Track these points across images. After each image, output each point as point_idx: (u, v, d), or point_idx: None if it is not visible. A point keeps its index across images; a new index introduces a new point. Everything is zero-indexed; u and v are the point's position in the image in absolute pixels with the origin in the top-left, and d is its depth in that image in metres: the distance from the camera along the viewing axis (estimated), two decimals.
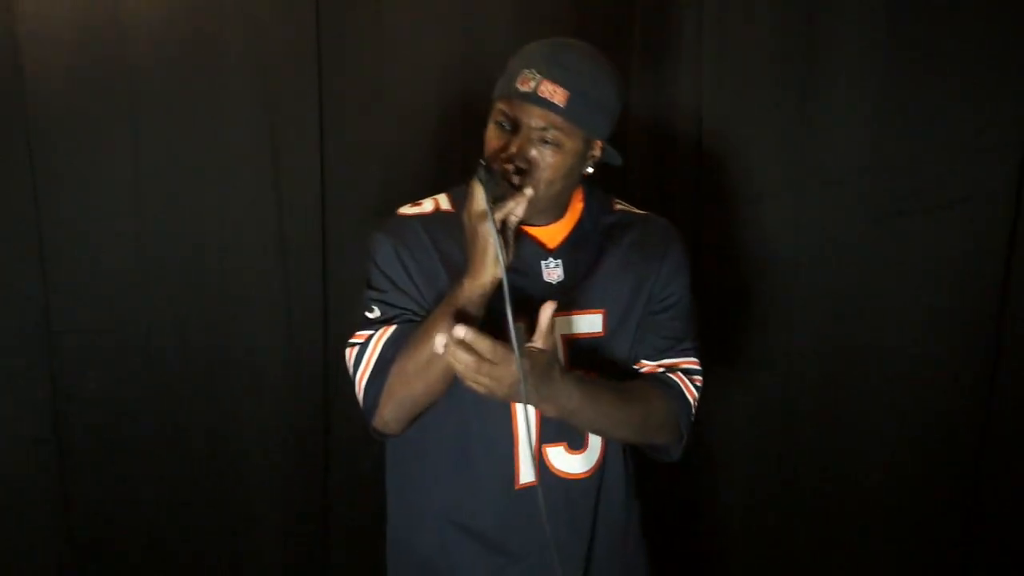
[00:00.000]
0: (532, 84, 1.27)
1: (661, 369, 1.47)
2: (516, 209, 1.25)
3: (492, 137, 1.34)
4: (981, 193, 1.88)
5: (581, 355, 1.41)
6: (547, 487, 1.33)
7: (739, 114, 1.97)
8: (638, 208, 1.53)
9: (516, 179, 1.28)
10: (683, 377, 1.47)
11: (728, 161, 1.99)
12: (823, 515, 2.12)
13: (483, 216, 1.22)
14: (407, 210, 1.44)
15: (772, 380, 2.06)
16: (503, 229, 1.24)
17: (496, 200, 1.23)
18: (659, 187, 2.02)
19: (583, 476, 1.46)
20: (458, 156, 1.90)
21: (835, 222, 1.97)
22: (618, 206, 1.52)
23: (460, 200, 1.37)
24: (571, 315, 1.41)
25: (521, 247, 1.34)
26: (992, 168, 1.87)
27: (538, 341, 1.22)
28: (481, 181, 1.22)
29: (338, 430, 2.02)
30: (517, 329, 1.16)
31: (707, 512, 2.21)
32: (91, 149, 1.80)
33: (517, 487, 1.42)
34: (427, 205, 1.44)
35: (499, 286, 1.21)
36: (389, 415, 1.35)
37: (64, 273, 1.82)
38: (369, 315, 1.39)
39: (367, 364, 1.35)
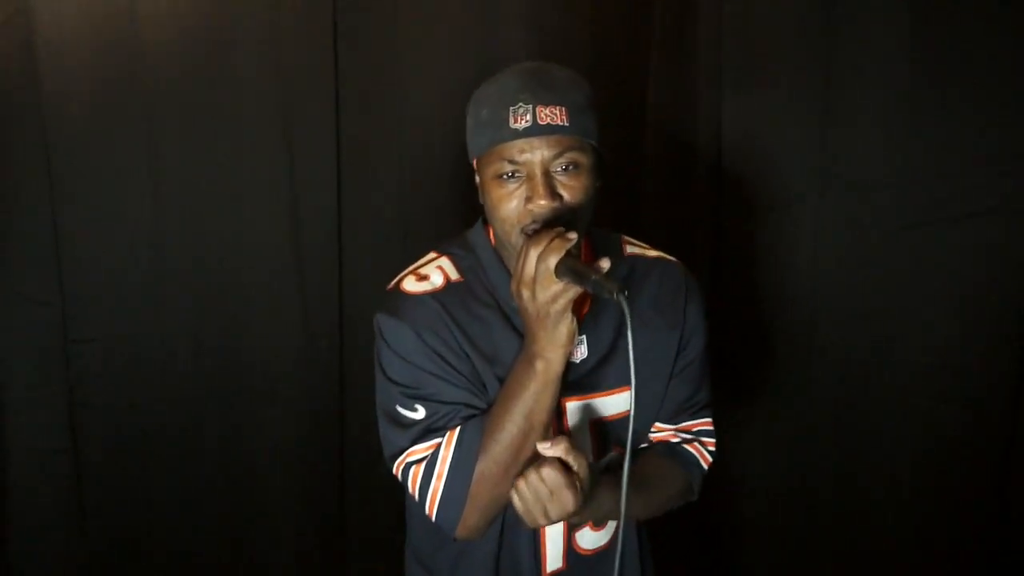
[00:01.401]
0: (528, 117, 1.16)
1: (677, 438, 1.41)
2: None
3: (501, 197, 1.20)
4: (1006, 204, 1.84)
5: (609, 436, 1.32)
6: (574, 568, 1.34)
7: (760, 123, 1.95)
8: (646, 243, 1.43)
9: (571, 235, 1.14)
10: (698, 447, 1.41)
11: (749, 169, 1.98)
12: (844, 527, 2.09)
13: (555, 297, 1.12)
14: (414, 287, 1.28)
15: (794, 389, 2.04)
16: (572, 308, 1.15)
17: (564, 274, 1.11)
18: (678, 196, 2.01)
19: (605, 548, 1.39)
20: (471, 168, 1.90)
21: (858, 231, 1.94)
22: (628, 249, 1.40)
23: (468, 267, 1.30)
24: (599, 397, 1.31)
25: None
26: (1018, 179, 1.84)
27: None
28: (569, 271, 1.10)
29: (353, 438, 2.02)
30: (616, 457, 1.14)
31: (726, 522, 2.19)
32: (108, 159, 1.81)
33: (544, 575, 1.36)
34: (435, 278, 1.29)
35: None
36: (476, 522, 1.23)
37: (80, 283, 1.83)
38: (410, 414, 1.24)
39: (439, 480, 1.21)
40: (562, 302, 1.13)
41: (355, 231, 1.93)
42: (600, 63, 1.94)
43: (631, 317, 1.07)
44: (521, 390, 1.18)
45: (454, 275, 1.30)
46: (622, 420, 1.31)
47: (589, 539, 1.37)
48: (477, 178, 1.29)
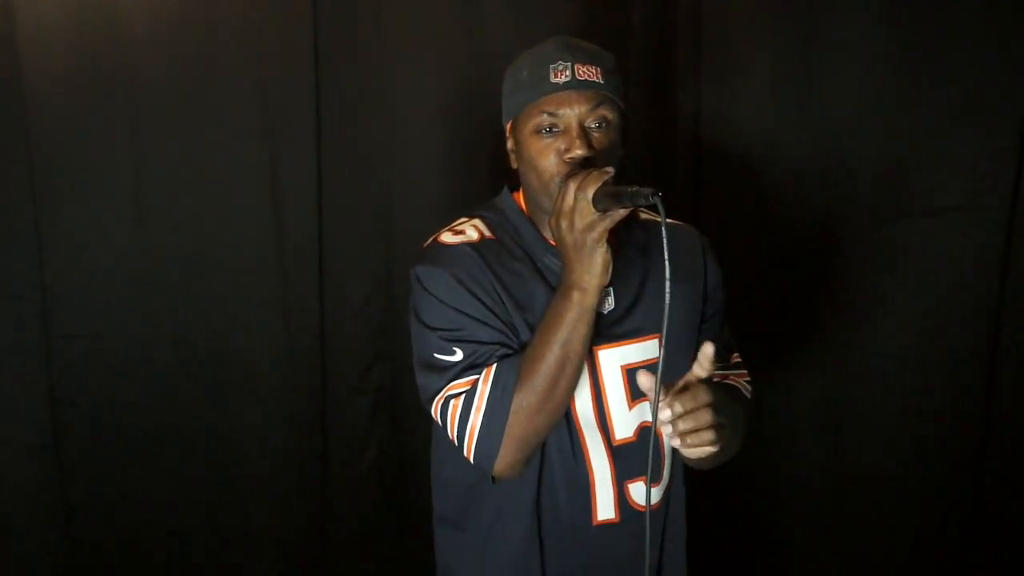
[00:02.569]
0: (568, 72, 1.25)
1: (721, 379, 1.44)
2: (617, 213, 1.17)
3: (540, 150, 1.27)
4: (979, 197, 1.88)
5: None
6: (628, 521, 1.35)
7: (738, 117, 1.98)
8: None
9: (608, 168, 1.19)
10: (735, 379, 1.46)
11: (728, 162, 2.01)
12: (821, 520, 2.12)
13: (591, 227, 1.16)
14: (450, 238, 1.34)
15: (771, 384, 2.07)
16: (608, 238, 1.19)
17: (601, 201, 1.16)
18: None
19: (657, 507, 1.40)
20: (455, 163, 1.91)
21: (834, 224, 1.98)
22: (643, 215, 1.46)
23: (499, 226, 1.35)
24: (627, 344, 1.35)
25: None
26: (990, 172, 1.87)
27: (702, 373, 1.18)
28: (606, 196, 1.15)
29: (335, 433, 2.02)
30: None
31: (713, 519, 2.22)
32: (90, 155, 1.81)
33: (595, 523, 1.36)
34: (470, 232, 1.35)
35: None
36: (513, 458, 1.25)
37: (62, 279, 1.83)
38: (448, 357, 1.27)
39: (477, 413, 1.24)
40: (599, 231, 1.16)
41: (336, 229, 1.94)
42: None
43: (664, 215, 1.11)
44: (558, 320, 1.21)
45: (487, 232, 1.35)
46: (652, 366, 1.29)
47: (641, 493, 1.36)
48: (510, 142, 1.36)
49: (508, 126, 1.36)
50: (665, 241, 1.11)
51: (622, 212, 1.16)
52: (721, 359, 1.41)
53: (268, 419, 1.98)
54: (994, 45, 1.86)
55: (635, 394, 1.34)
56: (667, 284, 1.10)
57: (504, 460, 1.24)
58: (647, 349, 1.36)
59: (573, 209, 1.17)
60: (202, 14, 1.80)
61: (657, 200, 1.10)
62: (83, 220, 1.83)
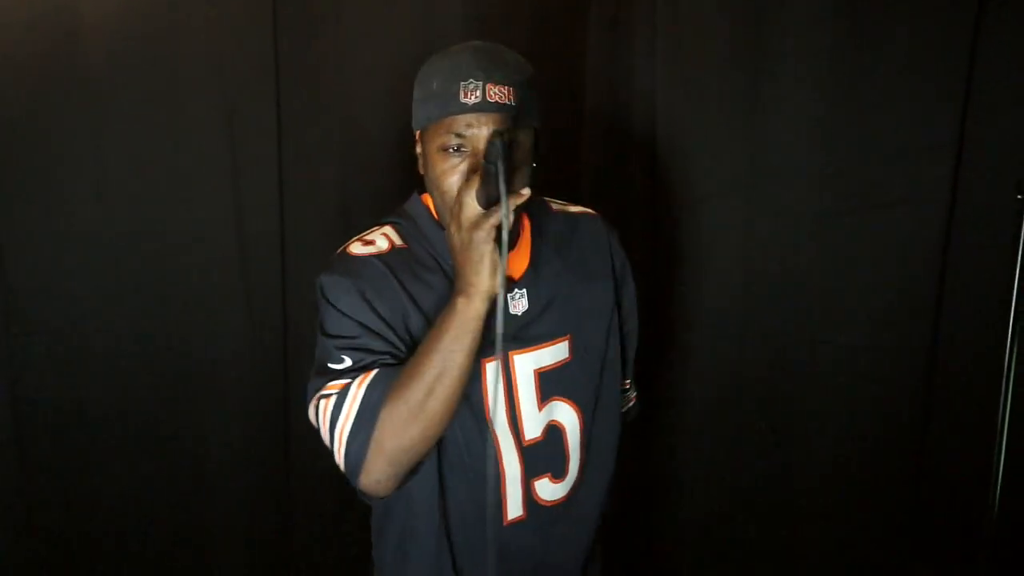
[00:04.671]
0: (478, 93, 1.21)
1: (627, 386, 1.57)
2: (509, 214, 1.14)
3: (445, 170, 1.25)
4: (918, 194, 1.95)
5: (551, 385, 1.37)
6: (535, 517, 1.38)
7: (692, 115, 2.03)
8: (560, 200, 1.50)
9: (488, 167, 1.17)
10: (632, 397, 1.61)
11: (682, 159, 2.05)
12: (770, 511, 2.18)
13: (477, 224, 1.15)
14: (360, 249, 1.32)
15: (727, 375, 2.12)
16: (497, 237, 1.15)
17: (482, 193, 1.15)
18: (614, 183, 2.08)
19: (564, 500, 1.42)
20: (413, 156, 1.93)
21: (784, 219, 2.03)
22: (554, 206, 1.47)
23: (410, 234, 1.34)
24: (542, 348, 1.36)
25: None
26: (929, 169, 1.94)
27: None
28: (483, 186, 1.14)
29: (297, 430, 2.03)
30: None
31: (660, 521, 2.26)
32: (50, 152, 1.81)
33: (506, 523, 1.37)
34: (380, 243, 1.34)
35: (494, 304, 1.16)
36: (379, 472, 1.20)
37: (23, 275, 1.83)
38: (336, 365, 1.24)
39: (347, 416, 1.20)
40: (485, 228, 1.14)
41: (297, 225, 1.95)
42: (539, 51, 1.99)
43: (503, 169, 1.12)
44: (439, 330, 1.18)
45: (398, 241, 1.34)
46: (562, 367, 1.38)
47: (548, 490, 1.39)
48: (419, 148, 1.33)
49: (417, 134, 1.33)
50: (502, 177, 1.11)
51: (513, 201, 1.14)
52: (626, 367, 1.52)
53: (230, 416, 1.99)
54: (930, 46, 1.92)
55: (545, 395, 1.36)
56: (504, 234, 1.12)
57: (370, 473, 1.20)
58: (560, 350, 1.37)
59: (459, 214, 1.16)
60: (163, 12, 1.81)
61: (497, 142, 1.11)
62: (43, 216, 1.83)
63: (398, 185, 1.93)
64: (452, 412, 1.21)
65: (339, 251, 1.35)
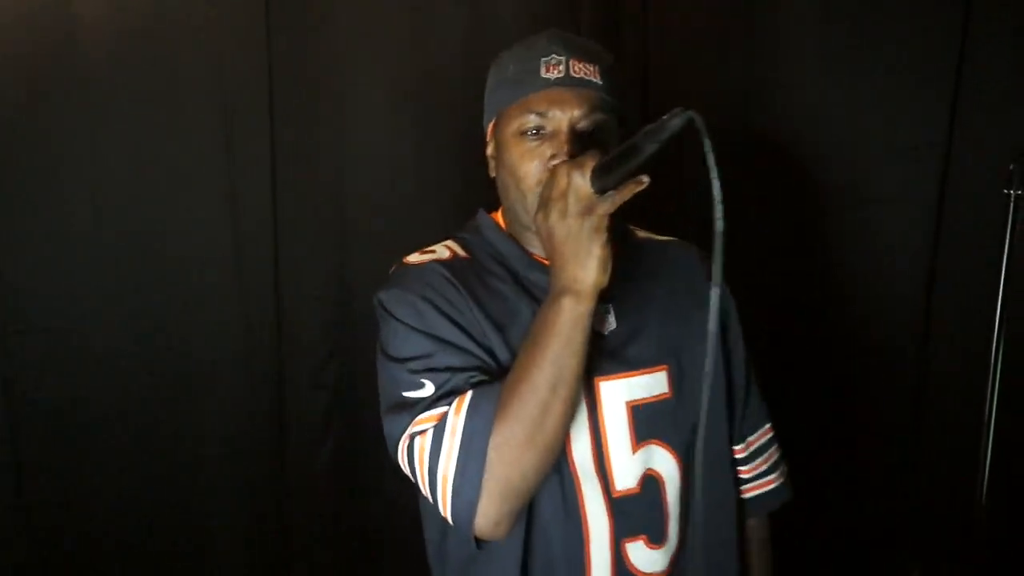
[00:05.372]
0: (561, 68, 1.10)
1: (749, 472, 1.30)
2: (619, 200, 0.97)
3: (522, 154, 1.11)
4: (905, 192, 1.97)
5: (646, 424, 1.16)
6: None
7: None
8: (650, 230, 1.33)
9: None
10: (765, 482, 1.32)
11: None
12: None
13: (589, 208, 0.98)
14: (417, 257, 1.19)
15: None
16: (609, 227, 1.00)
17: (603, 173, 0.97)
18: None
19: (665, 574, 1.19)
20: (409, 156, 1.95)
21: (776, 216, 2.04)
22: (640, 233, 1.31)
23: (475, 246, 1.20)
24: (633, 375, 1.16)
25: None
26: (915, 167, 1.96)
27: None
28: (608, 165, 0.95)
29: (292, 428, 2.04)
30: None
31: None
32: (45, 150, 1.82)
33: None
34: (441, 252, 1.20)
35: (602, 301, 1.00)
36: (496, 512, 1.01)
37: (18, 274, 1.84)
38: (415, 393, 1.07)
39: (449, 453, 1.01)
40: (598, 215, 0.98)
41: (291, 223, 1.95)
42: None
43: (711, 144, 0.87)
44: (547, 332, 1.01)
45: (461, 252, 1.20)
46: (660, 403, 1.16)
47: (644, 558, 1.16)
48: (490, 147, 1.21)
49: (489, 128, 1.20)
50: (712, 162, 0.87)
51: (630, 189, 0.96)
52: (743, 427, 1.27)
53: (225, 414, 1.99)
54: (916, 46, 1.94)
55: (640, 435, 1.15)
56: (717, 241, 0.87)
57: (486, 513, 1.01)
58: (656, 383, 1.17)
59: (566, 191, 0.99)
60: (158, 7, 1.82)
61: (694, 115, 0.87)
62: (39, 215, 1.84)
63: (391, 183, 1.96)
64: (567, 430, 1.04)
65: (394, 267, 1.21)
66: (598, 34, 2.02)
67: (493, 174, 1.21)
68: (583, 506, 1.13)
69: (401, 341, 1.11)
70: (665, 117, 0.89)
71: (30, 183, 1.82)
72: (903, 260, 1.99)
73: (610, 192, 0.98)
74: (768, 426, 1.34)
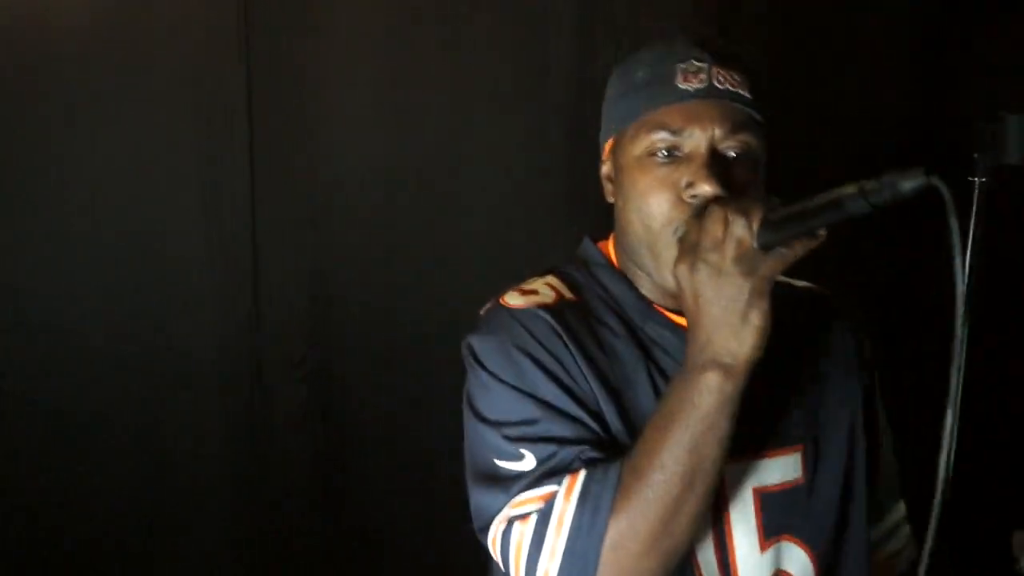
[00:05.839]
0: (703, 76, 0.91)
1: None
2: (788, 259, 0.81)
3: (651, 184, 0.92)
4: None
5: (777, 516, 0.98)
6: None
7: None
8: (791, 276, 1.09)
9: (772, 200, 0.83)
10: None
11: None
12: None
13: (752, 270, 0.80)
14: (517, 299, 1.00)
15: None
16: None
17: (772, 231, 0.79)
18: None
19: None
20: (388, 146, 1.97)
21: None
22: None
23: (582, 285, 1.03)
24: (765, 458, 0.97)
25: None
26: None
27: None
28: (781, 222, 0.78)
29: (269, 422, 2.03)
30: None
31: None
32: (21, 150, 1.81)
33: None
34: (544, 293, 1.01)
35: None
36: None
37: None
38: (513, 465, 0.89)
39: (553, 549, 0.84)
40: (763, 275, 0.80)
41: (269, 215, 1.95)
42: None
43: (952, 204, 0.69)
44: (685, 413, 0.82)
45: (567, 292, 1.02)
46: (792, 491, 0.98)
47: None
48: (607, 167, 1.03)
49: (607, 146, 1.02)
50: (959, 250, 0.68)
51: (804, 245, 0.79)
52: (881, 514, 1.09)
53: (201, 408, 1.98)
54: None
55: (770, 531, 0.97)
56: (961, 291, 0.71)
57: None
58: (791, 466, 0.99)
59: (722, 243, 0.81)
60: (133, 8, 1.82)
61: (934, 179, 0.69)
62: (11, 212, 1.83)
63: (370, 174, 1.97)
64: (697, 532, 0.88)
65: (490, 304, 1.03)
66: (574, 56, 2.05)
67: (611, 199, 1.02)
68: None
69: (495, 399, 0.94)
70: (893, 176, 0.71)
71: (4, 183, 1.82)
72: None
73: (779, 249, 0.80)
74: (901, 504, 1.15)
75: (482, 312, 1.03)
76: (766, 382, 0.88)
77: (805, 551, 0.99)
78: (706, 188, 0.88)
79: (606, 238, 1.08)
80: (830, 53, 2.06)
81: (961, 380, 0.71)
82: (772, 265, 0.80)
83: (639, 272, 1.00)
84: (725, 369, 0.81)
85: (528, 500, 0.87)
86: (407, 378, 2.03)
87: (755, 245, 0.80)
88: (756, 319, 0.80)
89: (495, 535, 0.90)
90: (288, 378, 2.02)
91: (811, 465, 1.00)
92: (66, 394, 1.91)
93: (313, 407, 2.05)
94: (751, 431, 0.90)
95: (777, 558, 0.98)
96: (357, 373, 2.04)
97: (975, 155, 1.82)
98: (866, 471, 1.04)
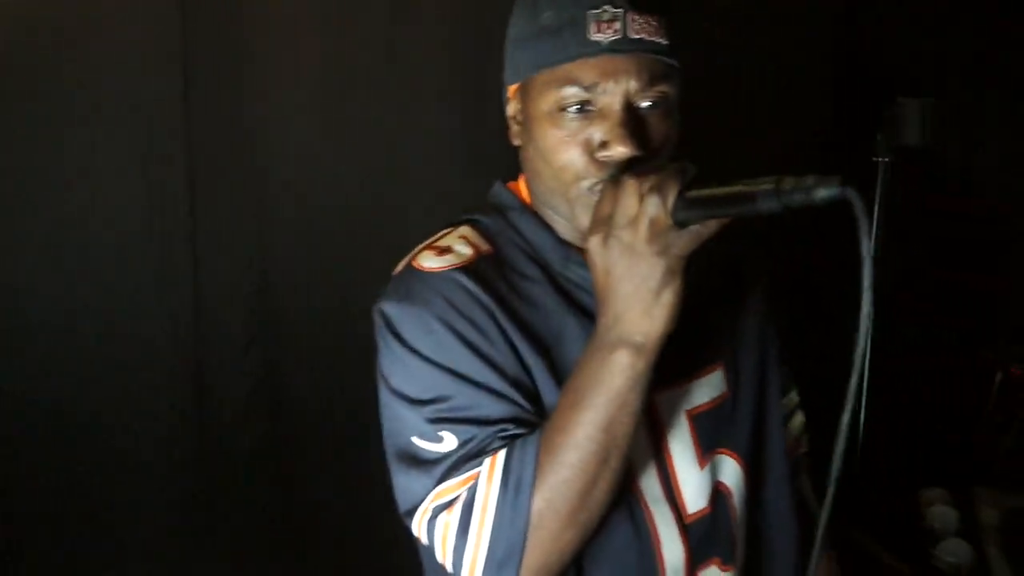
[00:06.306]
0: (617, 26, 0.85)
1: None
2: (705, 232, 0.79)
3: (562, 140, 0.89)
4: None
5: (710, 432, 1.00)
6: None
7: None
8: None
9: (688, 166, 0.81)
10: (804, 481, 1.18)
11: None
12: None
13: (667, 246, 0.78)
14: (432, 260, 0.95)
15: None
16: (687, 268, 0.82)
17: (689, 208, 0.78)
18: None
19: None
20: (329, 136, 1.98)
21: None
22: None
23: (498, 233, 0.99)
24: (691, 382, 0.99)
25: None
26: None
27: None
28: (697, 203, 0.77)
29: (213, 417, 2.02)
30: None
31: None
32: None
33: None
34: (460, 248, 0.96)
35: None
36: None
37: None
38: (434, 447, 0.88)
39: (479, 535, 0.84)
40: (676, 253, 0.79)
41: (210, 214, 1.95)
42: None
43: (864, 216, 0.69)
44: (597, 392, 0.82)
45: (483, 245, 0.98)
46: (720, 407, 1.01)
47: None
48: (512, 108, 0.98)
49: (512, 89, 0.97)
50: (867, 250, 0.69)
51: (711, 225, 0.78)
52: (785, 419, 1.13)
53: (143, 404, 1.97)
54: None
55: (706, 447, 0.99)
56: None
57: None
58: (716, 383, 1.01)
59: (636, 220, 0.78)
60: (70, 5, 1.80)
61: (850, 194, 0.69)
62: None
63: (310, 163, 1.99)
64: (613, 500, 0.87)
65: (402, 265, 0.98)
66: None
67: (517, 141, 0.98)
68: (657, 539, 0.95)
69: (412, 375, 0.91)
70: (810, 181, 0.71)
71: None
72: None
73: (693, 227, 0.78)
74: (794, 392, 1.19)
75: (395, 273, 0.98)
76: (687, 310, 0.85)
77: (735, 460, 1.02)
78: (621, 150, 0.85)
79: (515, 179, 1.04)
80: (748, 44, 2.17)
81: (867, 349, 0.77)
82: (686, 243, 0.79)
83: (555, 215, 0.97)
84: (636, 348, 0.80)
85: (451, 488, 0.86)
86: (350, 370, 2.04)
87: (670, 223, 0.78)
88: (668, 296, 0.79)
89: (420, 523, 0.89)
90: (231, 371, 2.03)
91: (733, 378, 1.03)
92: (13, 386, 1.87)
93: (257, 400, 2.05)
94: (679, 359, 0.89)
95: (714, 471, 1.00)
96: (300, 366, 2.06)
97: (878, 137, 1.97)
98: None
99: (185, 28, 1.87)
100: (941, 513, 1.84)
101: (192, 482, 2.05)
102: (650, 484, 0.95)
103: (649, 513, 0.95)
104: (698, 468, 0.98)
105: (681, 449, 0.97)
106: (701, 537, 0.98)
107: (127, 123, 1.87)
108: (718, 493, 1.00)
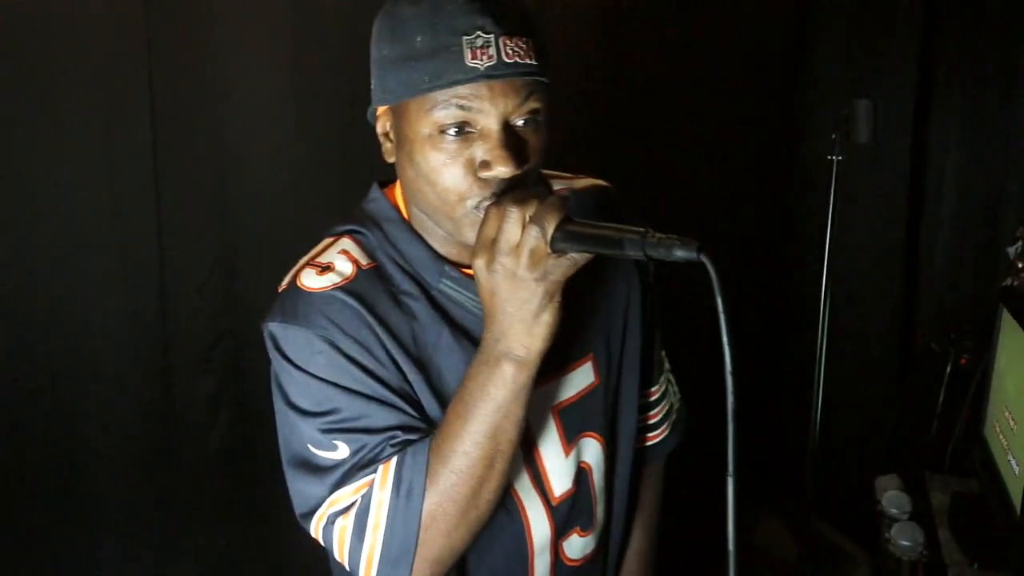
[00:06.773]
0: (491, 51, 0.87)
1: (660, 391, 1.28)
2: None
3: (444, 163, 0.91)
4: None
5: (576, 420, 1.09)
6: None
7: None
8: (563, 173, 1.16)
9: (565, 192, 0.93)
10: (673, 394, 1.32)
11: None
12: None
13: (546, 272, 0.85)
14: (315, 280, 0.98)
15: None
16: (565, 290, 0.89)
17: (566, 240, 0.85)
18: None
19: (591, 557, 1.17)
20: (291, 134, 2.00)
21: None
22: (556, 185, 1.12)
23: (377, 247, 1.02)
24: (559, 378, 1.06)
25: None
26: None
27: None
28: (574, 237, 0.84)
29: (180, 414, 2.04)
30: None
31: None
32: None
33: None
34: (341, 266, 0.99)
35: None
36: None
37: None
38: (328, 455, 0.93)
39: (374, 537, 0.91)
40: (553, 280, 0.86)
41: (173, 204, 1.95)
42: None
43: (717, 280, 0.77)
44: (483, 402, 0.89)
45: (363, 260, 1.01)
46: (587, 396, 1.09)
47: (577, 546, 1.13)
48: (382, 126, 1.00)
49: (383, 109, 0.98)
50: (723, 320, 0.76)
51: (587, 255, 0.86)
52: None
53: (112, 401, 1.97)
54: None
55: (571, 436, 1.08)
56: (728, 367, 0.77)
57: None
58: (585, 375, 1.09)
59: (518, 248, 0.85)
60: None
61: (705, 260, 0.77)
62: None
63: (274, 161, 1.99)
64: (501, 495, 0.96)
65: (286, 283, 1.02)
66: None
67: (391, 159, 1.00)
68: (527, 522, 1.07)
69: (303, 390, 0.96)
70: (675, 240, 0.80)
71: None
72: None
73: (571, 256, 0.86)
74: (662, 379, 1.29)
75: (280, 290, 1.02)
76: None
77: (597, 440, 1.12)
78: (503, 170, 0.89)
79: (392, 183, 1.07)
80: (707, 45, 2.23)
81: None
82: (564, 270, 0.86)
83: (434, 228, 1.00)
84: (519, 362, 0.88)
85: (346, 495, 0.93)
86: None
87: (548, 252, 0.85)
88: (547, 317, 0.87)
89: (317, 527, 0.96)
90: (197, 368, 2.03)
91: (604, 366, 1.11)
92: None
93: (223, 397, 2.06)
94: (549, 356, 0.92)
95: (579, 454, 1.10)
96: (267, 363, 2.04)
97: (832, 136, 2.03)
98: (641, 363, 1.18)
99: (149, 26, 1.87)
100: (895, 498, 1.90)
101: (160, 478, 2.05)
102: (519, 476, 1.04)
103: (519, 500, 1.05)
104: (563, 456, 1.07)
105: (547, 442, 1.06)
106: (565, 513, 1.09)
107: (91, 123, 1.87)
108: (581, 471, 1.10)
